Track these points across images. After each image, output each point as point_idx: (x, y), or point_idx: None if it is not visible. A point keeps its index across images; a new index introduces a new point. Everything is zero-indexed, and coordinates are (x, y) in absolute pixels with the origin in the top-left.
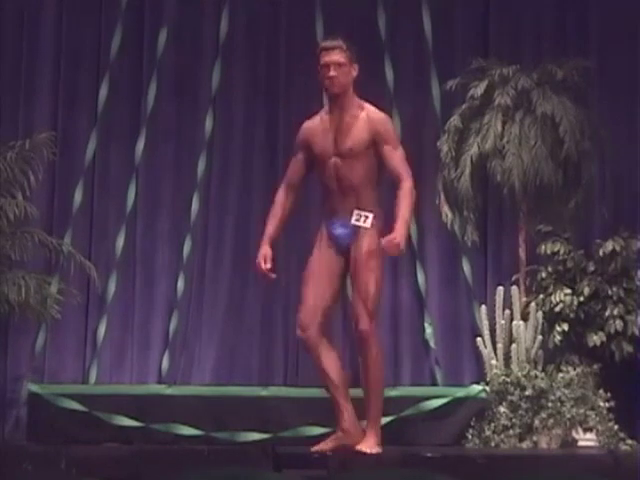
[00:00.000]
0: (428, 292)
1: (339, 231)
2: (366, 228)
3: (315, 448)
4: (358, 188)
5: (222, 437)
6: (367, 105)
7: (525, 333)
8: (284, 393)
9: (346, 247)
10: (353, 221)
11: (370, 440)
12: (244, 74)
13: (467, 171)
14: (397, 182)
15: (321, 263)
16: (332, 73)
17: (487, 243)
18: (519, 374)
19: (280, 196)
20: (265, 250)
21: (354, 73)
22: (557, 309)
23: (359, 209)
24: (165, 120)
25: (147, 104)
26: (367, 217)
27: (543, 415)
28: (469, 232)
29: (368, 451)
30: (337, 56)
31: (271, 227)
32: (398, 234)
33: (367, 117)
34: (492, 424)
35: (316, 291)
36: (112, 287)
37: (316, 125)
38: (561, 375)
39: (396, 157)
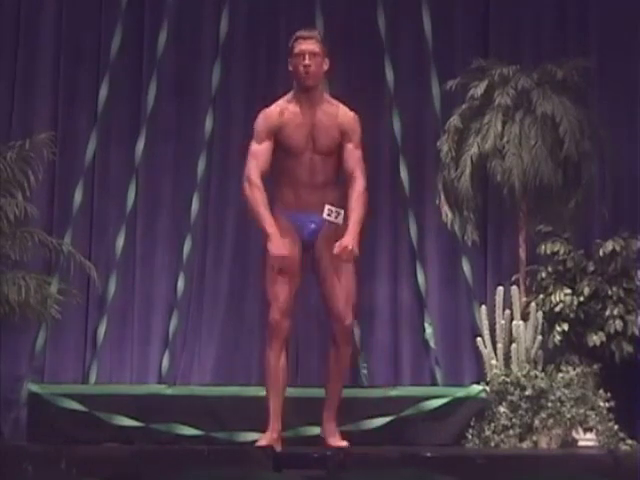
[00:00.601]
0: (428, 292)
1: (311, 226)
2: (338, 224)
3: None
4: (330, 184)
5: (222, 437)
6: (337, 102)
7: (525, 333)
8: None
9: (311, 242)
10: (324, 216)
11: (337, 435)
12: (244, 74)
13: (467, 171)
14: (350, 181)
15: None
16: (307, 62)
17: (487, 243)
18: (519, 374)
19: (259, 184)
20: (280, 240)
21: (325, 67)
22: (557, 309)
23: (330, 204)
24: (165, 120)
25: (147, 104)
26: (339, 213)
27: (543, 415)
28: (469, 232)
29: (339, 445)
30: (312, 45)
31: (269, 215)
32: (350, 239)
33: (339, 114)
34: (492, 424)
35: (286, 287)
36: (112, 287)
37: (285, 117)
38: (561, 375)
39: (355, 156)
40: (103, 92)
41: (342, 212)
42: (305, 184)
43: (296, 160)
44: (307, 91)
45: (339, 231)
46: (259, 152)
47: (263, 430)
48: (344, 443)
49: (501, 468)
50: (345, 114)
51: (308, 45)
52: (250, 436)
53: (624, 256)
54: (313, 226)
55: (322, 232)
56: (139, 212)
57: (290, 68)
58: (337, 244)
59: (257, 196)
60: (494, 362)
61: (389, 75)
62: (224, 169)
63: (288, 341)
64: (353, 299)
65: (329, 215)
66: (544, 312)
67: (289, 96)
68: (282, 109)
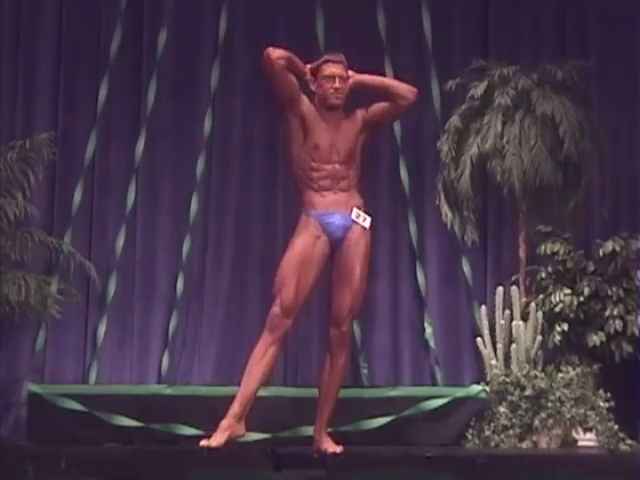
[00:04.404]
0: (428, 292)
1: (340, 222)
2: (364, 228)
3: (206, 443)
4: (353, 187)
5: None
6: (347, 111)
7: (525, 333)
8: (284, 393)
9: (337, 241)
10: (353, 217)
11: (329, 440)
12: (244, 74)
13: (467, 171)
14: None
15: (312, 252)
16: (338, 85)
17: (487, 243)
18: (519, 374)
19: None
20: None
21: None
22: (557, 309)
23: (357, 207)
24: (165, 120)
25: (147, 104)
26: (366, 218)
27: (543, 415)
28: (469, 232)
29: (334, 451)
30: (342, 70)
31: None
32: None
33: (357, 113)
34: (492, 424)
35: (302, 280)
36: (112, 287)
37: (312, 113)
38: (561, 375)
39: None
40: (103, 92)
41: (369, 218)
42: (329, 189)
43: (319, 169)
44: (334, 109)
45: (365, 236)
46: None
47: (263, 430)
48: (339, 448)
49: (501, 468)
50: (361, 109)
51: (337, 69)
52: (250, 436)
53: (624, 256)
54: (342, 224)
55: (349, 234)
56: (139, 212)
57: (313, 87)
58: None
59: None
60: (494, 362)
61: (389, 75)
62: (224, 169)
63: (284, 340)
64: (357, 310)
65: (357, 217)
66: (544, 312)
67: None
68: (313, 108)
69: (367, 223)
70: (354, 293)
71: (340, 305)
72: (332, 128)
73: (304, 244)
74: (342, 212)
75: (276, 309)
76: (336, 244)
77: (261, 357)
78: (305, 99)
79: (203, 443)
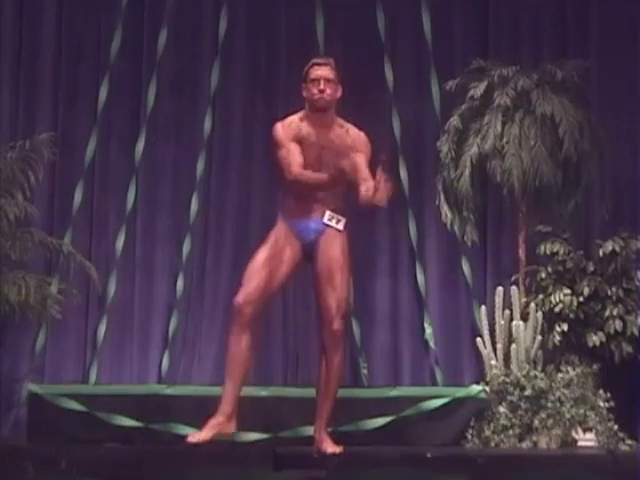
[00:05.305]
0: (428, 292)
1: (312, 229)
2: (338, 230)
3: (193, 439)
4: (333, 197)
5: (222, 437)
6: (347, 124)
7: (525, 333)
8: (284, 393)
9: (312, 245)
10: (325, 220)
11: (329, 440)
12: (243, 74)
13: (467, 171)
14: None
15: (282, 254)
16: (322, 87)
17: (487, 243)
18: (519, 374)
19: (304, 171)
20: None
21: (339, 93)
22: (557, 309)
23: (333, 210)
24: (165, 120)
25: (147, 104)
26: (340, 220)
27: (543, 415)
28: (469, 232)
29: (334, 451)
30: (328, 72)
31: (318, 175)
32: (369, 182)
33: (350, 135)
34: (492, 424)
35: (262, 275)
36: (112, 287)
37: (300, 133)
38: (561, 375)
39: (364, 164)
40: (103, 92)
41: (343, 220)
42: (308, 196)
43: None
44: (320, 115)
45: (340, 237)
46: (290, 151)
47: (263, 430)
48: (339, 448)
49: (501, 468)
50: (357, 135)
51: (324, 71)
52: (250, 436)
53: (624, 256)
54: (314, 228)
55: (323, 238)
56: (139, 212)
57: (304, 93)
58: (363, 189)
59: (309, 174)
60: (494, 362)
61: (389, 75)
62: (223, 169)
63: (252, 328)
64: (345, 306)
65: (330, 220)
66: (544, 312)
67: (301, 115)
68: (296, 124)
69: (341, 225)
70: (338, 292)
71: (326, 306)
72: (321, 136)
73: (274, 246)
74: (315, 217)
75: (238, 298)
76: (310, 248)
77: (236, 352)
78: (296, 130)
79: (190, 438)
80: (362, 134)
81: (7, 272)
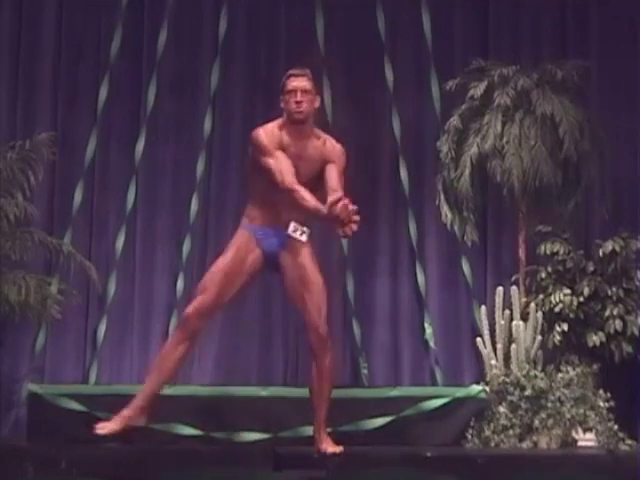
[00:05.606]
0: (428, 292)
1: (275, 237)
2: (301, 242)
3: (102, 430)
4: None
5: (222, 437)
6: (325, 135)
7: (525, 333)
8: (284, 393)
9: (273, 256)
10: (289, 232)
11: (329, 440)
12: (243, 74)
13: (467, 171)
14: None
15: (242, 265)
16: (299, 98)
17: (487, 243)
18: (519, 374)
19: (298, 187)
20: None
21: (316, 104)
22: (557, 309)
23: (296, 222)
24: (165, 120)
25: (147, 104)
26: (304, 232)
27: (543, 415)
28: (469, 232)
29: (334, 451)
30: (304, 83)
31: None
32: (339, 193)
33: (326, 146)
34: (492, 424)
35: (224, 289)
36: (112, 287)
37: (283, 142)
38: (561, 375)
39: (337, 176)
40: (103, 92)
41: (308, 231)
42: (277, 205)
43: (276, 186)
44: (298, 125)
45: (305, 249)
46: (279, 160)
47: (263, 430)
48: (339, 448)
49: (501, 468)
50: (332, 146)
51: (300, 82)
52: (250, 436)
53: (624, 256)
54: (277, 238)
55: (287, 249)
56: (139, 212)
57: (282, 104)
58: (329, 201)
59: (304, 194)
60: (494, 362)
61: (389, 75)
62: (223, 169)
63: (195, 339)
64: (325, 309)
65: (294, 232)
66: (544, 312)
67: (280, 123)
68: (278, 133)
69: (304, 237)
70: (315, 296)
71: (308, 315)
72: (299, 147)
73: (235, 257)
74: (279, 227)
75: (190, 310)
76: (272, 257)
77: (170, 355)
78: (278, 138)
79: (99, 430)
80: (338, 146)
81: (7, 272)
